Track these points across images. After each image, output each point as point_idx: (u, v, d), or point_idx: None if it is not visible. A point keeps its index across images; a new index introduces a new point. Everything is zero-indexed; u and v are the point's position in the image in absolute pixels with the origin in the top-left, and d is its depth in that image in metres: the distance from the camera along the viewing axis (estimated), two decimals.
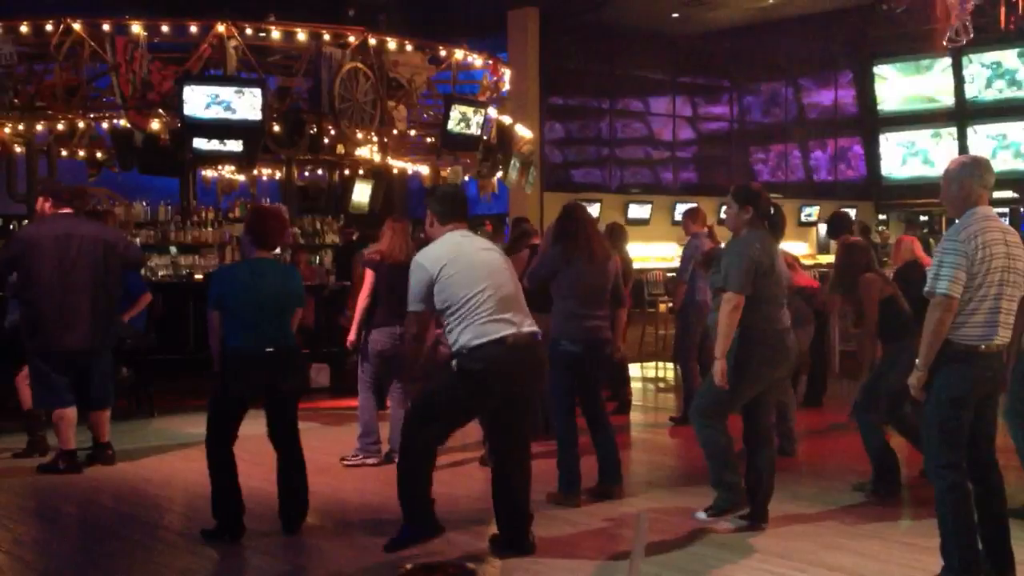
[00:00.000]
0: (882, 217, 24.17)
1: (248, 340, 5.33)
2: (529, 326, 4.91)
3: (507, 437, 5.11)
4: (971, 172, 4.46)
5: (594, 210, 19.52)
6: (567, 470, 6.01)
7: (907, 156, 23.82)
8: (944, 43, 11.36)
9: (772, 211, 5.48)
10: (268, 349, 5.36)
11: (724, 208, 5.60)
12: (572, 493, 5.97)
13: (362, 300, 7.12)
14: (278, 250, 6.67)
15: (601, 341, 6.11)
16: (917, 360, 4.40)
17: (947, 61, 22.50)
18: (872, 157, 24.61)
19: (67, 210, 6.98)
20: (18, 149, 13.00)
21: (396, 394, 7.20)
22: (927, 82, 23.38)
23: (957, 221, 4.41)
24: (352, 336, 7.27)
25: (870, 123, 24.46)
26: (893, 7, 17.33)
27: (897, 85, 23.87)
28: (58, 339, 6.75)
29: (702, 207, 9.25)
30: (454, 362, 4.84)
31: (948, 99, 22.95)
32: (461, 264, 4.84)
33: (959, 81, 22.70)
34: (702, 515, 5.48)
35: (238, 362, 5.35)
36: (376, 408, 7.21)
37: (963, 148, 22.53)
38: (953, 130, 22.98)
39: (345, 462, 7.12)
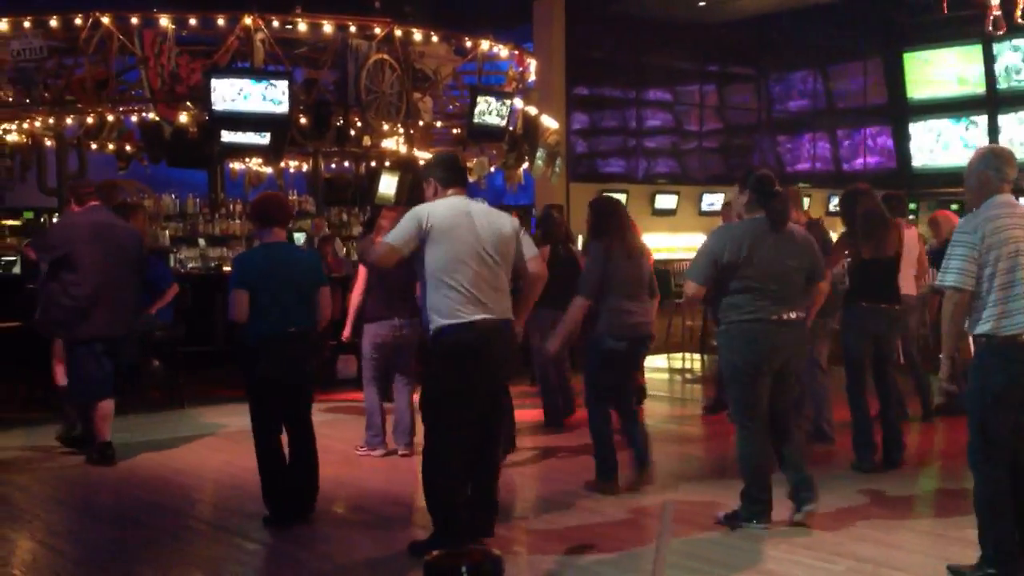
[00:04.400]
0: (912, 206, 23.93)
1: (272, 322, 5.35)
2: (502, 312, 4.77)
3: (479, 428, 4.85)
4: (988, 164, 4.43)
5: (620, 200, 19.50)
6: (604, 459, 6.07)
7: (944, 144, 23.53)
8: (989, 30, 11.18)
9: (771, 199, 5.22)
10: (291, 329, 5.40)
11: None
12: (610, 481, 6.03)
13: (357, 296, 7.09)
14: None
15: (645, 336, 6.11)
16: (941, 354, 4.39)
17: (978, 48, 22.21)
18: (902, 145, 24.38)
19: (95, 202, 7.09)
20: (48, 143, 13.14)
21: (400, 387, 7.21)
22: (957, 70, 23.09)
23: (974, 212, 4.39)
24: (347, 332, 7.32)
25: (900, 111, 24.22)
26: None
27: (927, 73, 23.60)
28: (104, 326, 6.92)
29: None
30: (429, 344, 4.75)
31: (979, 87, 22.66)
32: (454, 233, 4.70)
33: (990, 68, 22.41)
34: (720, 517, 5.42)
35: (266, 343, 5.36)
36: (379, 402, 7.21)
37: (994, 136, 22.25)
38: (984, 118, 22.70)
39: (357, 452, 7.21)
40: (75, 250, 6.80)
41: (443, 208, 4.78)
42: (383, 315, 6.95)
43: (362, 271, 7.09)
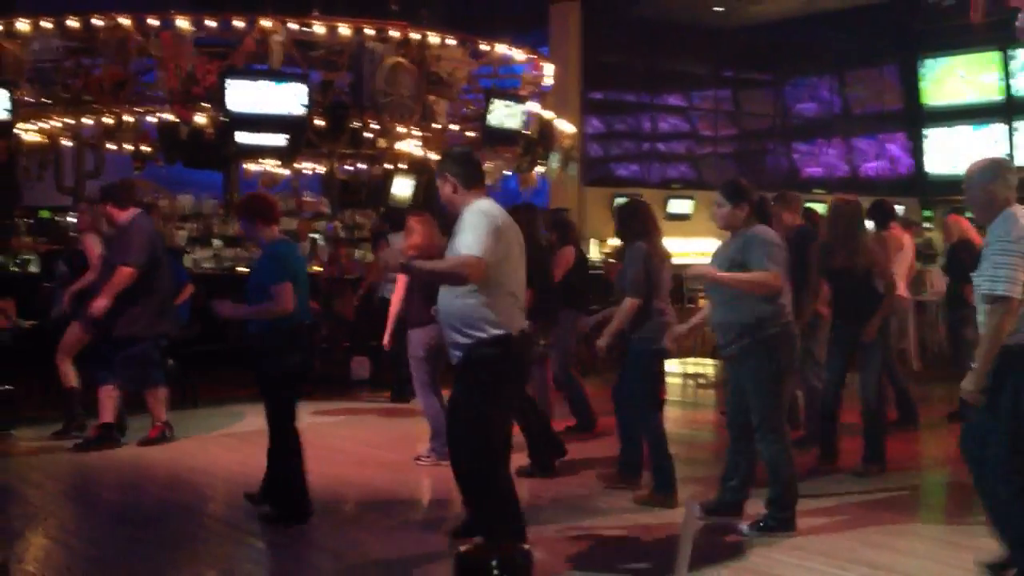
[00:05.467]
0: (927, 213, 23.84)
1: (299, 313, 5.48)
2: (524, 321, 4.60)
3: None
4: (994, 176, 4.40)
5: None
6: (663, 469, 5.89)
7: (961, 151, 23.40)
8: (1018, 36, 11.05)
9: (764, 209, 5.43)
10: (307, 321, 5.59)
11: (715, 205, 5.37)
12: (670, 493, 5.83)
13: (397, 303, 7.03)
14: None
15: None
16: (974, 364, 4.26)
17: (995, 55, 22.11)
18: (917, 152, 24.29)
19: (135, 208, 7.41)
20: (66, 142, 13.20)
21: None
22: (974, 77, 22.99)
23: (1001, 222, 4.30)
24: (388, 339, 7.23)
25: (916, 118, 24.13)
26: (940, 0, 17.06)
27: (943, 79, 23.51)
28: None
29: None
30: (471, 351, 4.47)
31: (996, 94, 22.55)
32: (508, 236, 4.43)
33: (1006, 76, 22.30)
34: (744, 528, 5.33)
35: (292, 336, 5.46)
36: (442, 407, 6.97)
37: (1012, 143, 22.15)
38: (1002, 126, 22.57)
39: (419, 462, 6.94)
40: (155, 252, 7.23)
41: (496, 209, 4.51)
42: (432, 319, 6.81)
43: (401, 278, 7.00)
